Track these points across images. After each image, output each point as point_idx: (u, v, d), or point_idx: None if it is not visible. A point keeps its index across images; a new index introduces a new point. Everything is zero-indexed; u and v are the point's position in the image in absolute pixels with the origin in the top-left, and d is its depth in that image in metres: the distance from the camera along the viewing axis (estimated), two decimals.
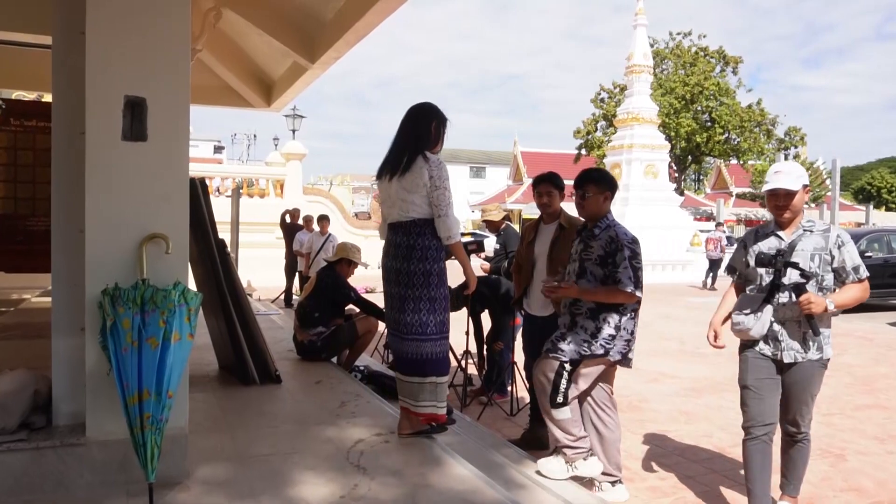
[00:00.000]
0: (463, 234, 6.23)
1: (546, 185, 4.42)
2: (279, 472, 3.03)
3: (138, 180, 2.79)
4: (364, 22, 5.51)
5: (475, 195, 51.53)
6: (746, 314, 3.21)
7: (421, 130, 3.46)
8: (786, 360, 3.21)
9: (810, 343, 3.18)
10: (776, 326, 3.20)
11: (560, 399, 3.48)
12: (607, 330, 3.47)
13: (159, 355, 2.60)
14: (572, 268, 3.68)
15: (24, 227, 6.35)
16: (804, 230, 3.23)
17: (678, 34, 37.07)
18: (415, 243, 3.41)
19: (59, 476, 2.72)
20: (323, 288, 5.48)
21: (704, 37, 36.75)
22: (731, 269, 3.55)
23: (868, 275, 3.16)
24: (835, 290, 3.18)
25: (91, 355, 2.74)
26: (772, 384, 3.28)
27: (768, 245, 3.26)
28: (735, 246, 3.67)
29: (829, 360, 3.28)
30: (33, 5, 5.03)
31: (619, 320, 3.49)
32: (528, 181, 40.57)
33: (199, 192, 4.36)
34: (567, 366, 3.48)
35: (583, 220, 4.42)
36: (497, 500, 2.83)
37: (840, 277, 3.16)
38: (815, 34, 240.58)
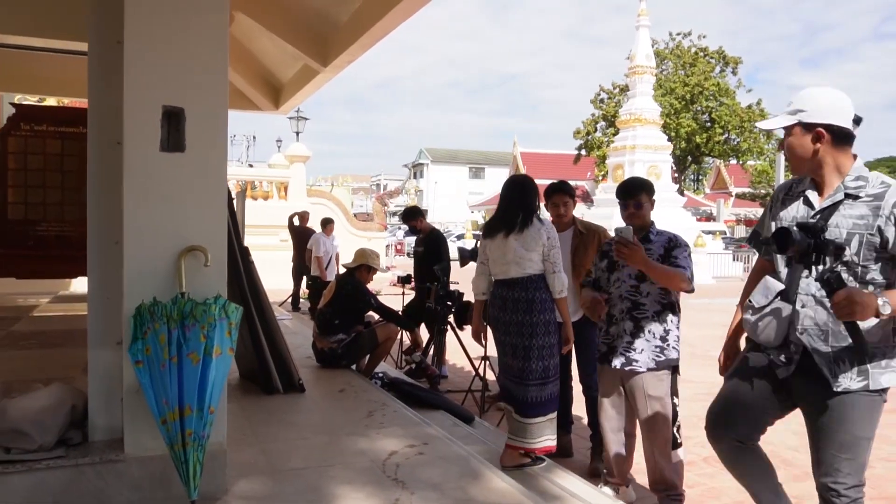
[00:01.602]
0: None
1: (561, 195, 4.44)
2: (317, 486, 2.98)
3: (176, 191, 2.74)
4: (382, 24, 5.46)
5: (474, 196, 51.54)
6: (754, 311, 2.34)
7: (531, 199, 3.78)
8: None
9: (844, 364, 2.21)
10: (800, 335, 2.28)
11: (679, 439, 3.50)
12: (674, 331, 3.46)
13: (201, 370, 2.56)
14: (619, 274, 3.55)
15: (35, 232, 6.31)
16: (846, 194, 2.23)
17: (678, 34, 37.06)
18: (534, 297, 3.64)
19: (98, 493, 2.67)
20: (343, 295, 5.43)
21: (704, 37, 36.76)
22: (753, 240, 2.62)
23: None
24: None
25: (129, 370, 2.69)
26: (763, 402, 2.47)
27: (791, 215, 2.36)
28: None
29: (884, 390, 2.24)
30: (44, 7, 5.00)
31: (677, 321, 3.50)
32: None
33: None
34: (676, 400, 3.48)
35: (599, 226, 4.48)
36: None
37: None
38: (814, 34, 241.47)
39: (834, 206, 2.24)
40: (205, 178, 2.78)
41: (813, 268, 2.19)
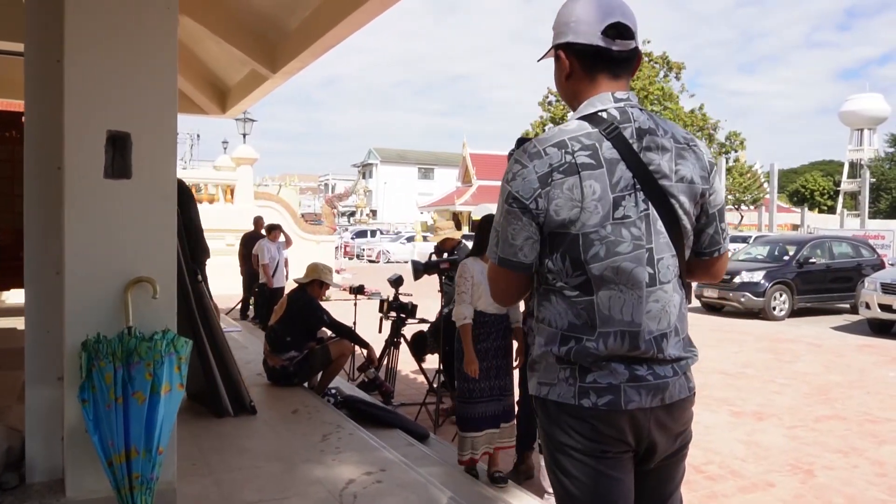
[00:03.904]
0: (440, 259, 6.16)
1: None
2: None
3: (122, 220, 2.60)
4: (334, 33, 5.37)
5: (424, 196, 51.53)
6: None
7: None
8: None
9: None
10: None
11: None
12: None
13: (147, 411, 2.43)
14: None
15: None
16: None
17: None
18: None
19: None
20: (295, 311, 5.31)
21: (649, 42, 37.58)
22: None
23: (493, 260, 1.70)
24: None
25: (70, 407, 2.55)
26: None
27: None
28: None
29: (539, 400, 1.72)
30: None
31: None
32: (477, 183, 40.75)
33: (185, 198, 4.16)
34: None
35: None
36: None
37: None
38: (750, 41, 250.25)
39: None
40: (153, 205, 2.65)
41: None
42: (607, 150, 1.60)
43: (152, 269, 2.61)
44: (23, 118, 6.39)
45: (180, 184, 6.80)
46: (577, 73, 1.72)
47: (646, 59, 36.85)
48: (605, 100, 1.67)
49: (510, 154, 1.78)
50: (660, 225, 1.64)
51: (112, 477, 2.41)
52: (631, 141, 1.63)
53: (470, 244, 6.27)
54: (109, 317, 2.55)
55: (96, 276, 2.56)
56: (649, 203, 1.63)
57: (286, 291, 6.34)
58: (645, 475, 1.76)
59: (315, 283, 5.52)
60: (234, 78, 8.22)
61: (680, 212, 1.67)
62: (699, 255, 1.80)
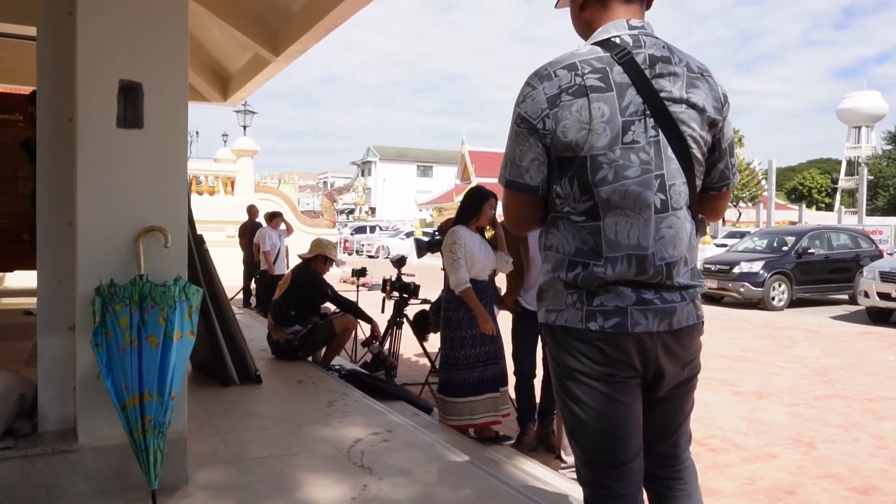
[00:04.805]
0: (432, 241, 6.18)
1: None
2: (281, 474, 2.91)
3: (134, 170, 2.63)
4: (335, 14, 5.39)
5: (423, 194, 51.54)
6: None
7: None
8: None
9: None
10: None
11: None
12: None
13: (160, 355, 2.46)
14: None
15: None
16: None
17: None
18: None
19: (49, 485, 2.54)
20: (299, 286, 5.33)
21: None
22: None
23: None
24: None
25: (83, 356, 2.57)
26: None
27: None
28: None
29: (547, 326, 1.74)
30: None
31: None
32: (475, 180, 40.74)
33: None
34: None
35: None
36: (514, 496, 2.78)
37: None
38: (748, 40, 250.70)
39: None
40: (164, 155, 2.67)
41: None
42: (618, 74, 1.61)
43: (164, 219, 2.63)
44: (27, 101, 6.40)
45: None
46: (589, 2, 1.74)
47: None
48: (620, 26, 1.69)
49: None
50: (670, 151, 1.64)
51: (125, 420, 2.43)
52: (643, 67, 1.63)
53: None
54: (121, 266, 2.57)
55: (108, 226, 2.58)
56: (659, 129, 1.63)
57: None
58: (654, 404, 1.77)
59: (319, 258, 5.55)
60: (236, 64, 8.23)
61: (690, 139, 1.67)
62: (708, 190, 1.82)
